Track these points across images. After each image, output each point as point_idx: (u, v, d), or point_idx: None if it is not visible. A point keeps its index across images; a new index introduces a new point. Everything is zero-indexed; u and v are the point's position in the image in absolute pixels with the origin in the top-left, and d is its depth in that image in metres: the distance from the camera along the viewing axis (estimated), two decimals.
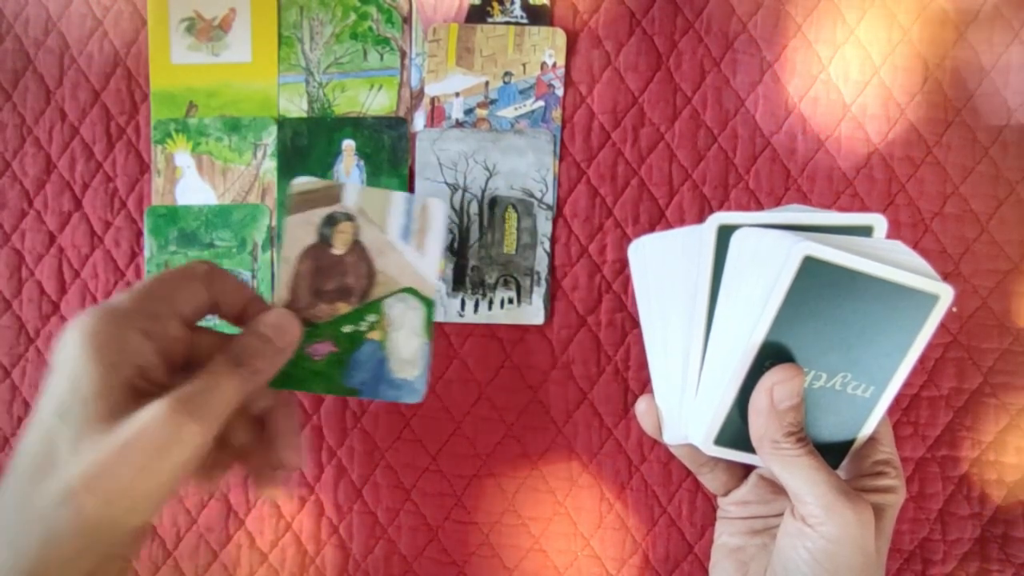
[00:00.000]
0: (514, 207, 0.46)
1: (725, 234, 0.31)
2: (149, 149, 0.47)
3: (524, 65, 0.46)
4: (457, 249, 0.46)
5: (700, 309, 0.32)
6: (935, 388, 0.46)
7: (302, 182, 0.40)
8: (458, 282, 0.46)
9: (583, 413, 0.47)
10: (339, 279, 0.40)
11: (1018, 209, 0.46)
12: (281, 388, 0.39)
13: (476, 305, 0.46)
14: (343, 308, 0.40)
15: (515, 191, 0.46)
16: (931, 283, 0.29)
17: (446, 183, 0.46)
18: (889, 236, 0.33)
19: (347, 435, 0.47)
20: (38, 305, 0.48)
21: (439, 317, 0.46)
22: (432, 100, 0.46)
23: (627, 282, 0.46)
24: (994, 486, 0.46)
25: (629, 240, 0.46)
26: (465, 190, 0.46)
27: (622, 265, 0.46)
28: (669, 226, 0.46)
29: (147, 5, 0.47)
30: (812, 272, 0.29)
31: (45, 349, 0.48)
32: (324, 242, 0.40)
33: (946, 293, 0.29)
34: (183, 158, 0.47)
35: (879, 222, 0.32)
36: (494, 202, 0.46)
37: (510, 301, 0.46)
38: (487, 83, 0.46)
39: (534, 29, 0.46)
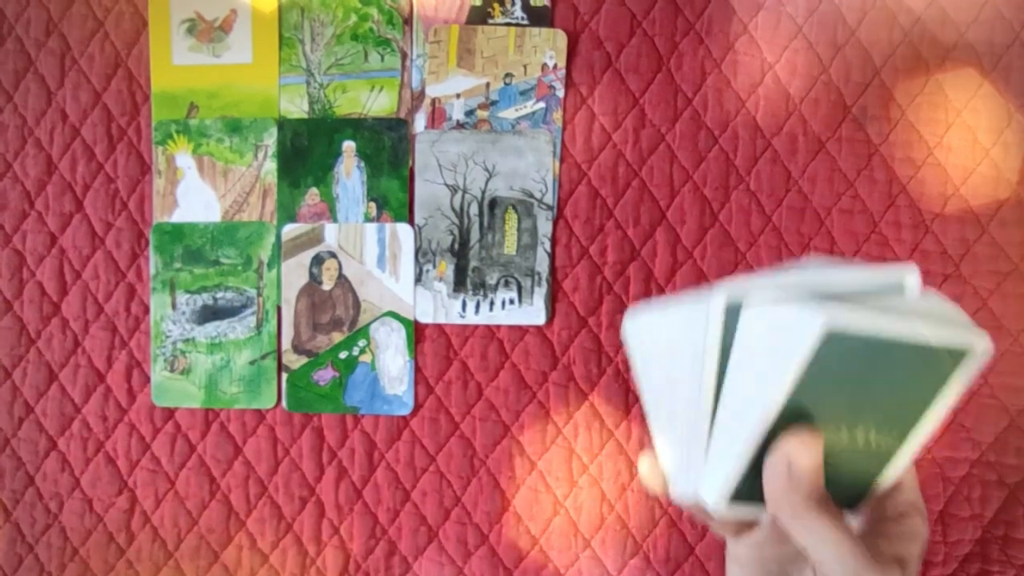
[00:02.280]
0: (514, 208, 0.46)
1: (733, 311, 0.29)
2: (150, 150, 0.47)
3: (525, 66, 0.46)
4: (458, 250, 0.46)
5: (708, 381, 0.30)
6: None
7: (291, 229, 0.46)
8: (459, 283, 0.46)
9: (584, 414, 0.47)
10: (331, 312, 0.46)
11: (1018, 210, 0.46)
12: (295, 411, 0.46)
13: (477, 306, 0.46)
14: (337, 337, 0.46)
15: (515, 192, 0.46)
16: (967, 337, 0.27)
17: (446, 184, 0.46)
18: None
19: (347, 436, 0.47)
20: (39, 306, 0.48)
21: (440, 319, 0.46)
22: (433, 101, 0.46)
23: (628, 283, 0.46)
24: (995, 487, 0.46)
25: (630, 241, 0.46)
26: (465, 191, 0.46)
27: (623, 267, 0.46)
28: (669, 226, 0.46)
29: (148, 6, 0.47)
30: (834, 342, 0.26)
31: (46, 350, 0.48)
32: (315, 281, 0.46)
33: (982, 344, 0.27)
34: (184, 159, 0.47)
35: (910, 275, 0.29)
36: (494, 203, 0.46)
37: (511, 302, 0.46)
38: (488, 84, 0.46)
39: (535, 30, 0.46)
